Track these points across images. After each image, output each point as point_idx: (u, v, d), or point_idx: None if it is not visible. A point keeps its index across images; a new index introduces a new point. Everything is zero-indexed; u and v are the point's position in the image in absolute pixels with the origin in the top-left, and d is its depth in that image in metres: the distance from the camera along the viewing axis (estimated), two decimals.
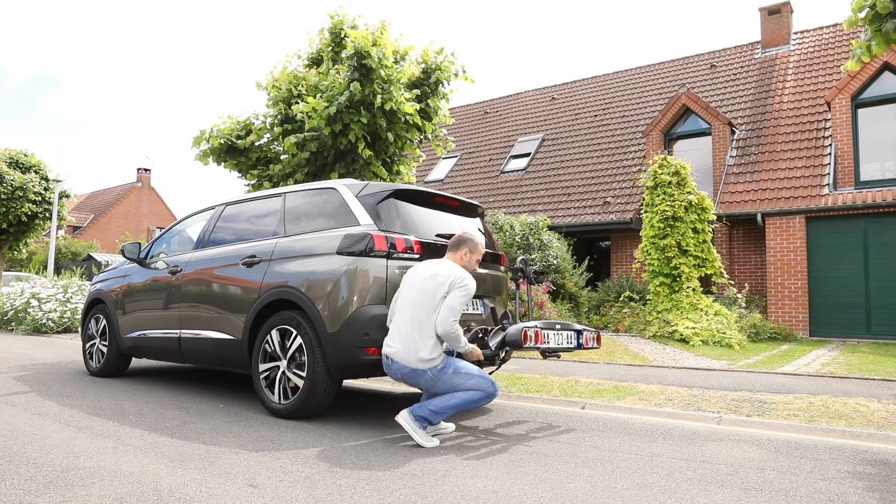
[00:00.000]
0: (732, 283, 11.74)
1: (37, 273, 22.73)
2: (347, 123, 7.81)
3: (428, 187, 4.92)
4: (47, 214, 18.02)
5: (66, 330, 12.91)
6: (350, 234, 4.25)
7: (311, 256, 4.40)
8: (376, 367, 4.10)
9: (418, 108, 8.51)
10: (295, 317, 4.33)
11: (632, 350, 9.04)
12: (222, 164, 8.94)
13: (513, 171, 18.96)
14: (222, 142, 8.49)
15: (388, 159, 8.92)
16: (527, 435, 4.02)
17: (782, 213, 12.44)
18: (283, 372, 4.36)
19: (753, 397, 5.44)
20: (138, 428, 3.90)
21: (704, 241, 11.42)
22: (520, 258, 5.09)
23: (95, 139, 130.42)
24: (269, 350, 4.47)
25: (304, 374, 4.23)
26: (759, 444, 3.84)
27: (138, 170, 41.26)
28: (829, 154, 13.06)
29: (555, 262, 11.69)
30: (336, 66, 8.45)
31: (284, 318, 4.41)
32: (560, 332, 4.33)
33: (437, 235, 4.58)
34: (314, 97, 8.09)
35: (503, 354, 4.36)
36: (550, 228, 15.06)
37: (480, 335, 4.24)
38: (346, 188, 4.61)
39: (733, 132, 14.93)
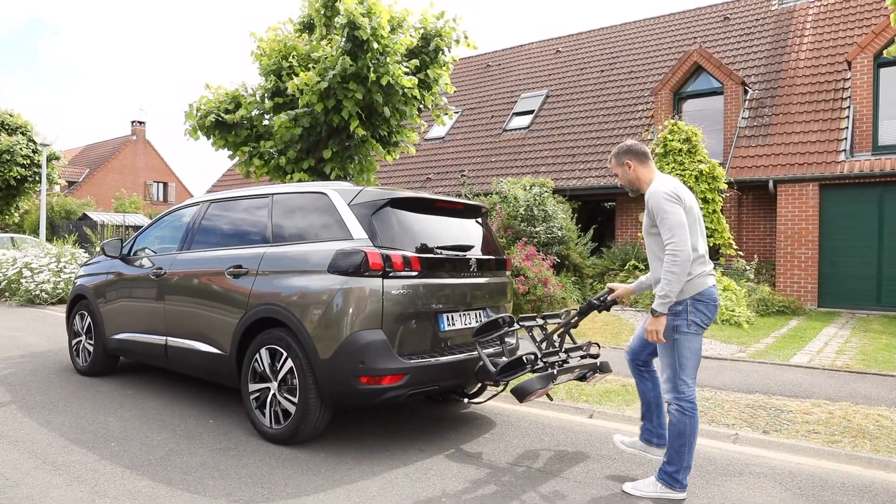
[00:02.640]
0: (741, 253, 11.41)
1: (31, 234, 22.45)
2: (340, 99, 7.30)
3: (433, 196, 4.51)
4: (37, 178, 17.54)
5: (61, 301, 12.69)
6: (342, 251, 3.90)
7: (301, 273, 4.06)
8: (374, 397, 3.83)
9: (417, 80, 7.97)
10: (285, 338, 4.03)
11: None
12: (210, 139, 8.46)
13: (516, 130, 18.34)
14: (211, 117, 7.98)
15: (384, 133, 8.43)
16: (532, 472, 3.77)
17: (795, 181, 11.99)
18: (274, 395, 4.09)
19: (769, 402, 5.20)
20: (119, 465, 3.65)
21: (714, 212, 11.05)
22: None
23: (91, 89, 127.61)
24: (259, 370, 4.19)
25: (295, 399, 3.96)
26: (781, 482, 3.59)
27: (133, 122, 40.31)
28: (847, 117, 12.49)
29: (559, 233, 11.33)
30: (328, 36, 7.86)
31: (274, 338, 4.11)
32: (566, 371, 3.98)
33: (439, 248, 4.22)
34: (306, 69, 7.56)
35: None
36: (555, 192, 14.63)
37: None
38: (337, 195, 4.22)
39: (746, 91, 14.28)
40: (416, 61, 7.77)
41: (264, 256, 4.33)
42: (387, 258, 3.85)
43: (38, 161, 17.45)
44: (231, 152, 8.48)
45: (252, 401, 4.24)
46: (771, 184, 12.24)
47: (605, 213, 16.59)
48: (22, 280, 12.94)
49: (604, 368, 4.21)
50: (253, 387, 4.23)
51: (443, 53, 8.42)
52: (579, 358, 4.16)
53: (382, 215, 4.08)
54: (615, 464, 3.85)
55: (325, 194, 4.28)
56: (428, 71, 8.21)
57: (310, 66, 7.68)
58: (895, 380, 5.98)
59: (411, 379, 3.85)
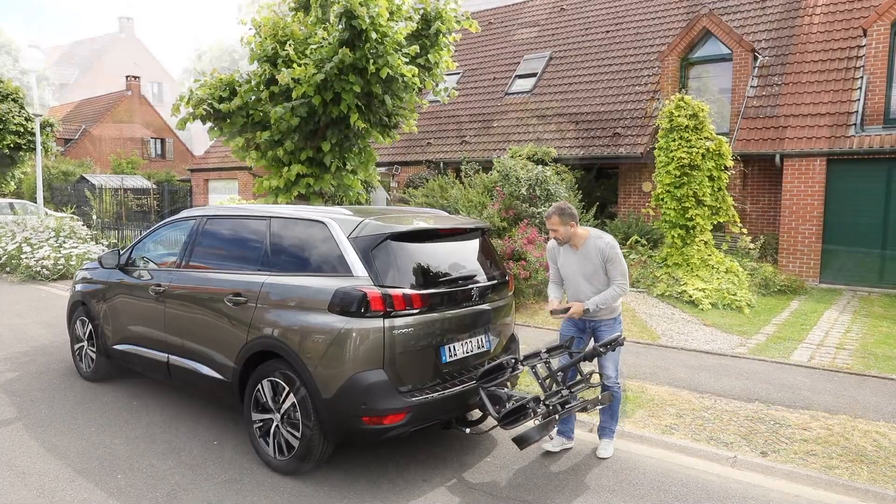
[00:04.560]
0: (745, 231, 11.31)
1: (30, 198, 22.30)
2: (339, 92, 7.07)
3: (433, 224, 4.43)
4: (32, 146, 17.26)
5: (62, 277, 12.69)
6: (342, 291, 3.84)
7: (301, 310, 4.01)
8: (376, 435, 3.86)
9: (418, 65, 7.71)
10: (287, 373, 4.02)
11: (639, 318, 8.81)
12: (206, 124, 8.25)
13: (518, 93, 17.91)
14: (204, 108, 7.74)
15: (385, 118, 8.21)
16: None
17: (802, 155, 11.77)
18: (278, 426, 4.12)
19: (768, 415, 5.24)
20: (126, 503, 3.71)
21: (720, 189, 10.88)
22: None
23: None
24: (262, 401, 4.21)
25: (298, 434, 3.98)
26: None
27: (127, 77, 39.34)
28: (860, 88, 12.14)
29: None
30: (324, 18, 7.55)
31: (276, 371, 4.10)
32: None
33: (442, 279, 4.16)
34: (301, 58, 7.28)
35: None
36: (557, 160, 14.42)
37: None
38: (337, 227, 4.12)
39: (756, 58, 13.85)
40: (416, 46, 7.49)
41: (263, 286, 4.27)
42: (388, 298, 3.80)
43: (32, 129, 17.14)
44: (226, 138, 8.29)
45: (256, 430, 4.27)
46: (777, 158, 12.03)
47: (608, 182, 16.40)
48: (22, 256, 12.92)
49: (604, 399, 4.22)
50: (256, 416, 4.26)
51: (444, 35, 8.10)
52: (581, 387, 4.17)
53: (384, 249, 4.01)
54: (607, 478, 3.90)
55: (325, 225, 4.18)
56: (429, 55, 7.93)
57: (306, 51, 7.40)
58: (894, 385, 6.00)
59: (413, 416, 3.86)
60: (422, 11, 8.04)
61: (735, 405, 5.49)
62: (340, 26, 6.89)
